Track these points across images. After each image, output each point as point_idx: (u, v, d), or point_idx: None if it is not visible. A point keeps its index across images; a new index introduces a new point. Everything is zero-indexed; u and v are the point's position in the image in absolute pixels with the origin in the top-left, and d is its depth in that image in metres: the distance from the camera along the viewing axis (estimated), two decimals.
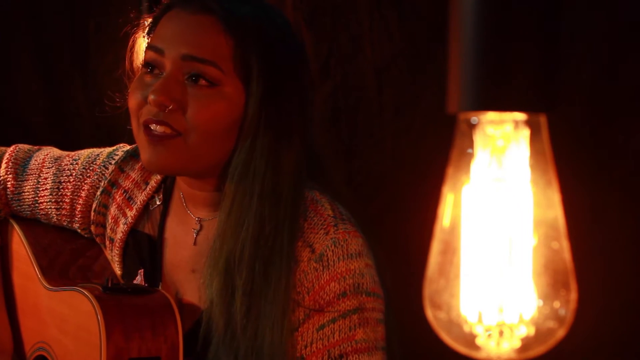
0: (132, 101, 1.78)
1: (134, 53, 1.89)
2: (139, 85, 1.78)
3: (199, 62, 1.74)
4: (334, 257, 1.73)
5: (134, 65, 1.90)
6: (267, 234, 1.73)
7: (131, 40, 1.89)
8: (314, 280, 1.73)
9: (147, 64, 1.78)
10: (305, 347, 1.74)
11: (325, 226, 1.75)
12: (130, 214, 1.96)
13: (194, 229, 1.88)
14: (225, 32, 1.74)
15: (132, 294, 1.82)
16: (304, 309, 1.73)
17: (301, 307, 1.73)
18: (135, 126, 1.79)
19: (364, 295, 1.74)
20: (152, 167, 1.80)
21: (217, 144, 1.76)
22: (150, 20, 1.85)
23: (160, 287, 1.90)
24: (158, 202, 1.95)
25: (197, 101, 1.74)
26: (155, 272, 1.92)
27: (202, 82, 1.74)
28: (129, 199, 1.97)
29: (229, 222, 1.76)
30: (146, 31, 1.85)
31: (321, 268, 1.73)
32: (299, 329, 1.74)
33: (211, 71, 1.74)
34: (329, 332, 1.73)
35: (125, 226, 1.96)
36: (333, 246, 1.74)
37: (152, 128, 1.75)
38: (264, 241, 1.73)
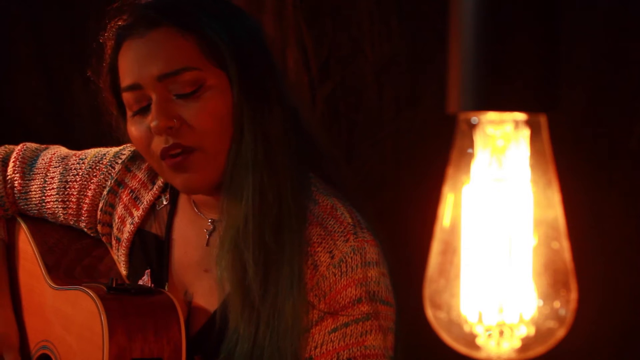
0: (140, 144, 1.79)
1: (110, 106, 1.89)
2: (137, 127, 1.79)
3: (174, 74, 1.75)
4: (352, 263, 1.75)
5: (114, 112, 1.90)
6: (271, 202, 1.75)
7: (99, 98, 1.89)
8: (332, 285, 1.75)
9: (132, 105, 1.79)
10: (316, 347, 1.75)
11: (345, 234, 1.76)
12: (137, 213, 1.96)
13: (207, 230, 1.89)
14: (182, 33, 1.76)
15: (136, 294, 1.82)
16: (319, 311, 1.75)
17: (316, 309, 1.75)
18: (153, 163, 1.81)
19: (378, 303, 1.76)
20: (188, 191, 1.83)
21: (228, 138, 1.77)
22: (107, 65, 1.85)
23: (167, 287, 1.90)
24: (165, 202, 1.95)
25: (193, 109, 1.75)
26: (162, 272, 1.92)
27: (188, 89, 1.75)
28: (135, 199, 1.97)
29: (230, 198, 1.77)
30: (110, 79, 1.84)
31: (339, 273, 1.75)
32: (312, 330, 1.75)
33: (189, 76, 1.75)
34: (341, 335, 1.75)
35: (132, 226, 1.96)
36: (352, 253, 1.75)
37: (170, 154, 1.76)
38: (269, 209, 1.75)
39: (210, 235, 1.88)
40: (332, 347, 1.75)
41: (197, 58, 1.76)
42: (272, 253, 1.74)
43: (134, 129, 1.79)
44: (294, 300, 1.72)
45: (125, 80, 1.79)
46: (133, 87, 1.77)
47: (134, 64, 1.78)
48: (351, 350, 1.74)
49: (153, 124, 1.74)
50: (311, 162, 1.85)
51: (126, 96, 1.79)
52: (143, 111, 1.78)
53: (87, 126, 3.16)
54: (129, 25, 1.79)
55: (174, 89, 1.76)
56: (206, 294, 1.85)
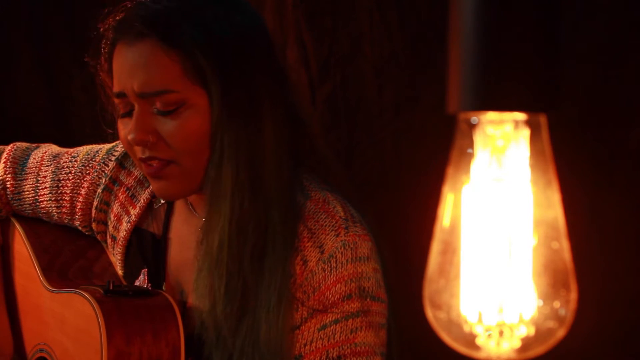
0: (124, 143, 1.80)
1: (107, 89, 1.88)
2: (122, 128, 1.79)
3: (153, 95, 1.73)
4: (342, 259, 1.73)
5: (109, 96, 1.90)
6: (250, 231, 1.72)
7: (97, 80, 1.89)
8: (321, 281, 1.73)
9: (120, 108, 1.79)
10: (305, 345, 1.74)
11: (336, 228, 1.74)
12: (134, 212, 1.95)
13: (201, 229, 1.88)
14: (167, 50, 1.72)
15: (133, 296, 1.82)
16: (308, 308, 1.73)
17: (305, 306, 1.73)
18: (136, 162, 1.81)
19: (368, 299, 1.73)
20: (164, 197, 1.85)
21: (207, 155, 1.75)
22: (105, 54, 1.84)
23: (164, 287, 1.90)
24: (162, 201, 1.94)
25: (171, 127, 1.73)
26: (159, 271, 1.92)
27: (167, 108, 1.73)
28: (132, 197, 1.96)
29: (209, 221, 1.75)
30: (107, 67, 1.83)
31: (329, 269, 1.73)
32: (301, 327, 1.74)
33: (168, 98, 1.72)
34: (330, 332, 1.73)
35: (129, 224, 1.95)
36: (342, 248, 1.73)
37: (148, 164, 1.76)
38: (249, 236, 1.72)
39: None
40: (322, 344, 1.73)
41: (178, 78, 1.72)
42: (250, 282, 1.71)
43: (121, 129, 1.80)
44: (270, 329, 1.70)
45: (115, 86, 1.78)
46: (119, 95, 1.77)
47: (121, 72, 1.77)
48: (341, 348, 1.72)
49: (130, 137, 1.74)
50: (307, 164, 1.83)
51: (115, 100, 1.79)
52: (129, 115, 1.77)
53: (87, 126, 3.16)
54: (120, 28, 1.77)
55: (154, 104, 1.74)
56: None
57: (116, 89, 1.78)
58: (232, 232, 1.72)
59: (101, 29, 1.82)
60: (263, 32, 1.81)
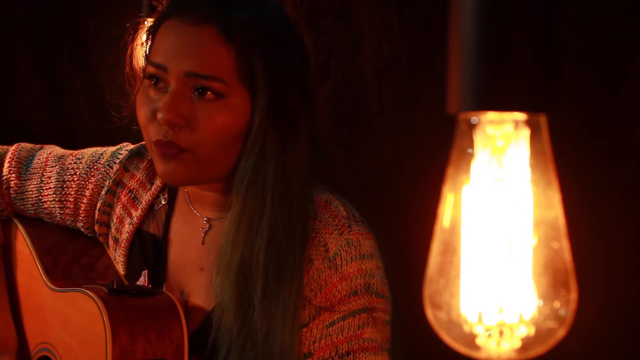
0: (141, 117, 1.77)
1: (134, 59, 1.88)
2: (145, 101, 1.77)
3: (203, 78, 1.72)
4: (347, 256, 1.75)
5: (135, 69, 1.89)
6: (279, 239, 1.74)
7: (130, 47, 1.88)
8: (327, 279, 1.75)
9: (150, 76, 1.76)
10: (314, 342, 1.76)
11: (339, 227, 1.76)
12: (136, 214, 1.96)
13: (203, 229, 1.89)
14: (226, 42, 1.72)
15: (137, 295, 1.82)
16: (316, 306, 1.75)
17: (312, 304, 1.75)
18: (147, 141, 1.79)
19: (374, 296, 1.76)
20: (167, 180, 1.81)
21: (226, 153, 1.76)
22: (149, 24, 1.84)
23: (164, 288, 1.90)
24: (163, 202, 1.95)
25: (204, 115, 1.72)
26: (159, 272, 1.92)
27: (209, 95, 1.72)
28: (134, 199, 1.97)
29: (241, 229, 1.75)
30: (144, 38, 1.84)
31: (334, 267, 1.75)
32: (309, 325, 1.76)
33: (216, 86, 1.72)
34: (338, 329, 1.75)
35: (131, 226, 1.96)
36: (347, 246, 1.75)
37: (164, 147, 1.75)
38: (277, 246, 1.74)
39: (206, 234, 1.88)
40: (331, 341, 1.75)
41: (230, 73, 1.72)
42: (272, 289, 1.73)
43: (142, 102, 1.77)
44: (284, 341, 1.72)
45: (157, 57, 1.76)
46: (159, 67, 1.74)
47: (170, 47, 1.74)
48: (350, 344, 1.75)
49: (160, 116, 1.72)
50: (316, 172, 1.84)
51: (150, 68, 1.76)
52: (158, 89, 1.75)
53: (87, 126, 3.16)
54: (183, 6, 1.75)
55: (194, 86, 1.73)
56: (202, 293, 1.86)
57: (158, 60, 1.75)
58: (267, 239, 1.74)
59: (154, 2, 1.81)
60: (307, 55, 1.82)
